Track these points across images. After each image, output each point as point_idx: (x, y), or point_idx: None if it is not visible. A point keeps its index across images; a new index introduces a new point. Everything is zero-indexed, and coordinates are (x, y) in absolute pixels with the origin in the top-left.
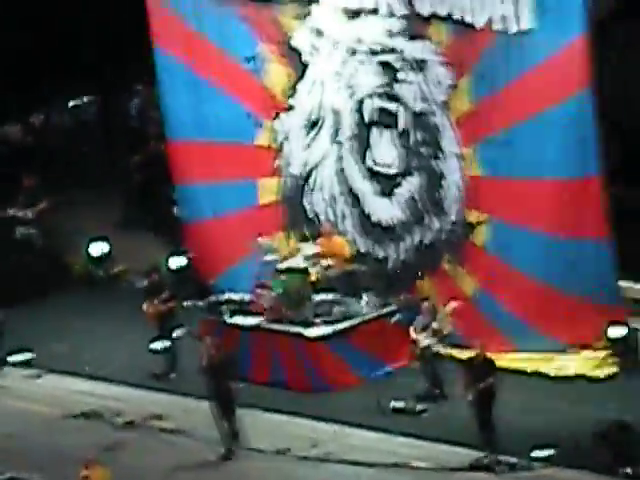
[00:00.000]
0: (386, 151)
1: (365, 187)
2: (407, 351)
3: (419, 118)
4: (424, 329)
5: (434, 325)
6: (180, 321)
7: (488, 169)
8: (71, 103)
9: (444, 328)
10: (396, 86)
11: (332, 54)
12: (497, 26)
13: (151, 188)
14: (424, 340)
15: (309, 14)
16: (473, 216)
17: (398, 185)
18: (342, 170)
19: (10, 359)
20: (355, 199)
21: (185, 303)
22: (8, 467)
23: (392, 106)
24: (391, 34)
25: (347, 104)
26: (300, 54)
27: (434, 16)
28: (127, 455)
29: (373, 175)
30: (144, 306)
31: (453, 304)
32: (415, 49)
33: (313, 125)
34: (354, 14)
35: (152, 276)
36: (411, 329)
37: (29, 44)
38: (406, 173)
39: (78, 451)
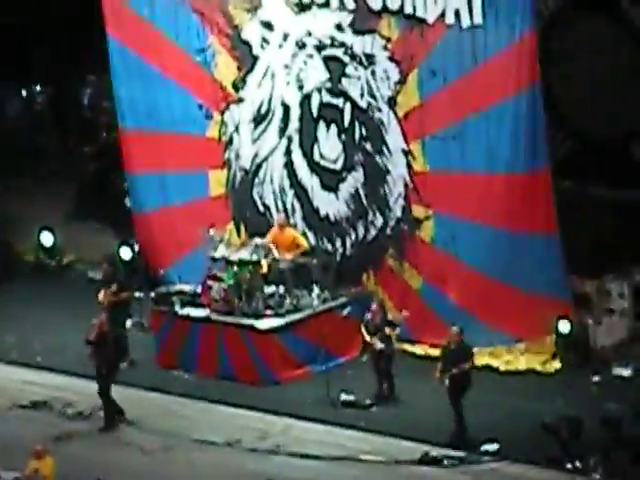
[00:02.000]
0: (331, 146)
1: (312, 181)
2: (357, 344)
3: (364, 114)
4: (376, 331)
5: (386, 330)
6: (130, 312)
7: (435, 164)
8: (24, 92)
9: (394, 330)
10: (343, 81)
11: (281, 47)
12: (449, 20)
13: (103, 178)
14: (378, 344)
15: (259, 6)
16: (419, 211)
17: (343, 180)
18: (291, 163)
19: None
20: (303, 193)
21: (136, 294)
22: None
23: (338, 101)
24: (340, 28)
25: (296, 98)
26: (250, 47)
27: (385, 10)
28: (76, 446)
29: (320, 169)
30: (99, 296)
31: (405, 313)
32: (363, 43)
33: (262, 118)
34: (304, 7)
35: (105, 266)
36: (363, 330)
37: None
38: (350, 168)
39: (27, 441)
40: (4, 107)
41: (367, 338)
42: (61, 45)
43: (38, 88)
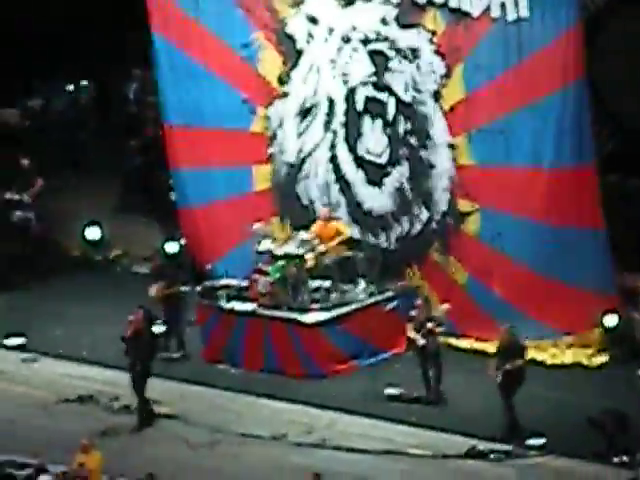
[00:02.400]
0: (376, 140)
1: (356, 175)
2: (403, 338)
3: (408, 108)
4: (420, 328)
5: (429, 325)
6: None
7: (480, 158)
8: (69, 87)
9: (439, 327)
10: (387, 75)
11: (327, 41)
12: (495, 14)
13: (149, 172)
14: (420, 340)
15: (304, 1)
16: (464, 205)
17: (387, 174)
18: (335, 158)
19: (6, 342)
20: (347, 187)
21: (182, 288)
22: (4, 451)
23: (382, 95)
24: (385, 22)
25: (341, 92)
26: (295, 41)
27: (430, 3)
28: (123, 440)
29: (364, 164)
30: (151, 290)
31: (446, 305)
32: (409, 37)
33: (307, 113)
34: (350, 1)
35: (154, 261)
36: (407, 327)
37: (29, 28)
38: (395, 162)
39: (74, 435)
40: (51, 102)
41: (411, 334)
42: (107, 40)
43: (84, 83)
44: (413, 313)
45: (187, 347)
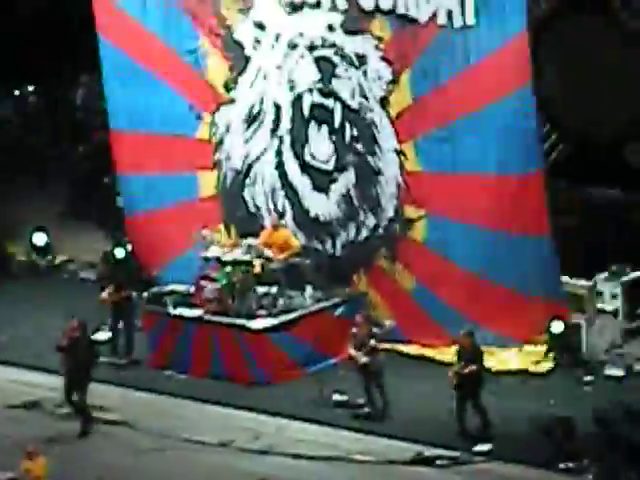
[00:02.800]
0: (322, 147)
1: (303, 182)
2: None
3: (355, 114)
4: (361, 345)
5: (371, 342)
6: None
7: (427, 165)
8: (16, 92)
9: (378, 345)
10: (333, 81)
11: (273, 48)
12: (441, 21)
13: (96, 178)
14: (362, 358)
15: (251, 7)
16: (411, 212)
17: (334, 181)
18: (281, 164)
19: None
20: (294, 193)
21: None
22: None
23: (328, 102)
24: (332, 28)
25: (287, 98)
26: (243, 47)
27: (377, 10)
28: (69, 446)
29: (310, 170)
30: (102, 295)
31: (390, 321)
32: (355, 44)
33: (254, 119)
34: (296, 7)
35: (102, 266)
36: (348, 344)
37: None
38: (341, 169)
39: (19, 441)
40: None
41: (352, 352)
42: (54, 45)
43: (31, 88)
44: (354, 330)
45: (134, 353)
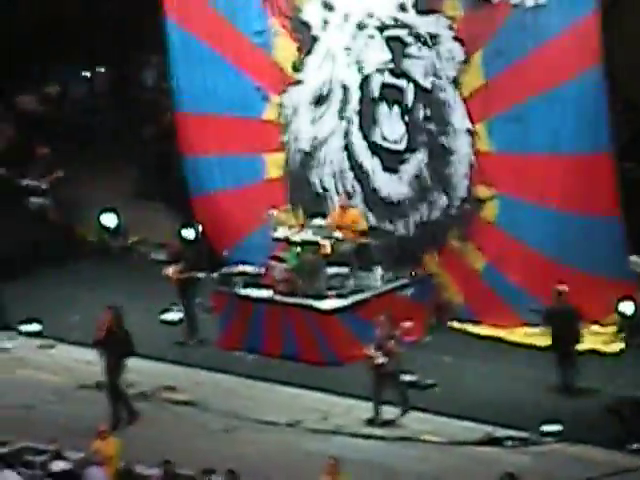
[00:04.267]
0: (393, 127)
1: (372, 163)
2: (419, 325)
3: (427, 94)
4: (379, 347)
5: (389, 345)
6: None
7: (499, 145)
8: (86, 73)
9: (398, 348)
10: (405, 61)
11: (342, 28)
12: (513, 0)
13: (166, 159)
14: (379, 358)
15: None
16: (482, 192)
17: (405, 161)
18: (350, 145)
19: (22, 329)
20: (363, 174)
21: (199, 275)
22: (21, 437)
23: (399, 82)
24: (403, 8)
25: (356, 79)
26: (310, 28)
27: None
28: (139, 426)
29: (380, 151)
30: (168, 271)
31: (407, 324)
32: (427, 24)
33: (321, 100)
34: None
35: (172, 245)
36: (368, 345)
37: (47, 15)
38: (412, 149)
39: (91, 422)
40: (68, 89)
41: (369, 351)
42: (124, 26)
43: (101, 70)
44: (375, 332)
45: (203, 334)
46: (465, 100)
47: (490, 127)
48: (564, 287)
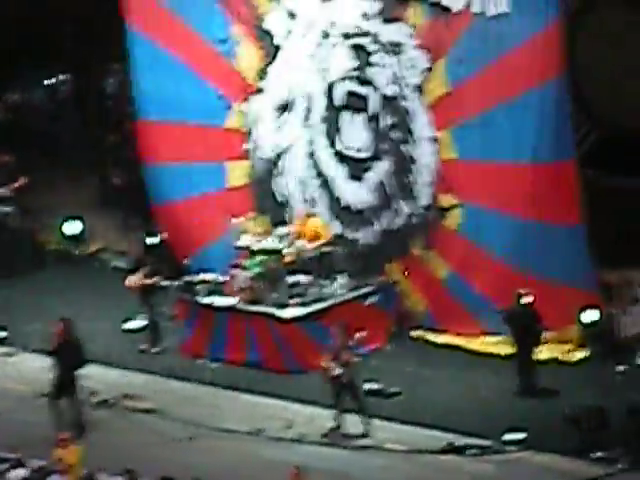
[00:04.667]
0: (356, 135)
1: (335, 171)
2: (381, 333)
3: (390, 102)
4: (335, 357)
5: (345, 355)
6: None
7: (462, 153)
8: (46, 82)
9: (353, 358)
10: (368, 70)
11: (305, 37)
12: (475, 9)
13: (127, 167)
14: (336, 369)
15: None
16: (446, 200)
17: (368, 169)
18: (312, 154)
19: None
20: (325, 183)
21: (160, 282)
22: None
23: (363, 90)
24: (367, 17)
25: (319, 87)
26: (273, 36)
27: None
28: (100, 434)
29: (343, 159)
30: (128, 279)
31: (361, 334)
32: (390, 32)
33: (284, 108)
34: None
35: (133, 253)
36: (324, 356)
37: (8, 21)
38: (376, 157)
39: (51, 430)
40: (28, 96)
41: (325, 363)
42: (84, 34)
43: (62, 77)
44: (331, 343)
45: (166, 342)
46: (429, 108)
47: (453, 135)
48: (525, 290)
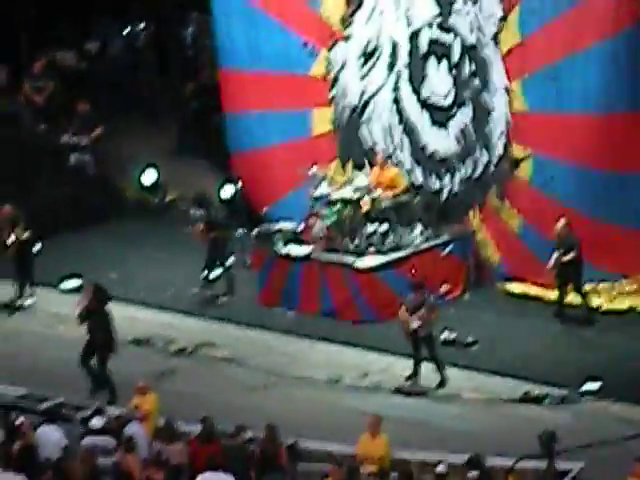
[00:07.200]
0: (441, 82)
1: (421, 117)
2: (459, 283)
3: (471, 50)
4: (414, 310)
5: (423, 311)
6: (232, 249)
7: (534, 104)
8: (126, 30)
9: (433, 314)
10: (452, 17)
11: None
12: None
13: (205, 116)
14: (413, 323)
15: None
16: (518, 151)
17: (452, 117)
18: (398, 100)
19: (62, 285)
20: (411, 129)
21: (238, 232)
22: (60, 392)
23: (447, 37)
24: None
25: (404, 34)
26: None
27: None
28: (178, 382)
29: (427, 106)
30: (194, 229)
31: (444, 287)
32: None
33: (370, 55)
34: None
35: (203, 204)
36: (402, 309)
37: None
38: (460, 104)
39: (129, 377)
40: (106, 46)
41: (404, 316)
42: None
43: (141, 26)
44: (410, 296)
45: (244, 290)
46: (503, 57)
47: (525, 86)
48: (565, 221)
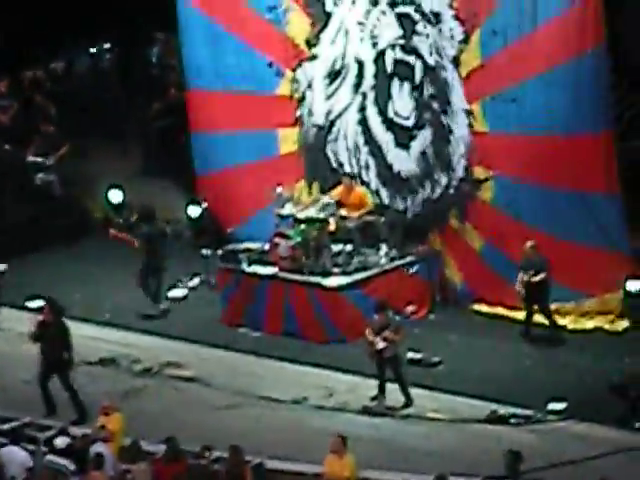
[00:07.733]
0: (404, 103)
1: (387, 138)
2: (424, 302)
3: (432, 72)
4: (380, 331)
5: (387, 333)
6: (196, 269)
7: (495, 125)
8: (92, 50)
9: (398, 335)
10: (414, 38)
11: (354, 4)
12: None
13: (171, 136)
14: (379, 344)
15: None
16: (480, 172)
17: (414, 138)
18: (364, 120)
19: (28, 304)
20: (377, 149)
21: (203, 252)
22: (25, 413)
23: (410, 58)
24: None
25: (370, 54)
26: (323, 3)
27: None
28: (143, 402)
29: (393, 126)
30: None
31: (410, 308)
32: (431, 1)
33: (336, 75)
34: None
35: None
36: (367, 329)
37: None
38: (421, 126)
39: (95, 397)
40: (73, 65)
41: (369, 337)
42: (129, 3)
43: (106, 45)
44: (375, 317)
45: (209, 310)
46: (463, 80)
47: (485, 107)
48: (533, 242)
